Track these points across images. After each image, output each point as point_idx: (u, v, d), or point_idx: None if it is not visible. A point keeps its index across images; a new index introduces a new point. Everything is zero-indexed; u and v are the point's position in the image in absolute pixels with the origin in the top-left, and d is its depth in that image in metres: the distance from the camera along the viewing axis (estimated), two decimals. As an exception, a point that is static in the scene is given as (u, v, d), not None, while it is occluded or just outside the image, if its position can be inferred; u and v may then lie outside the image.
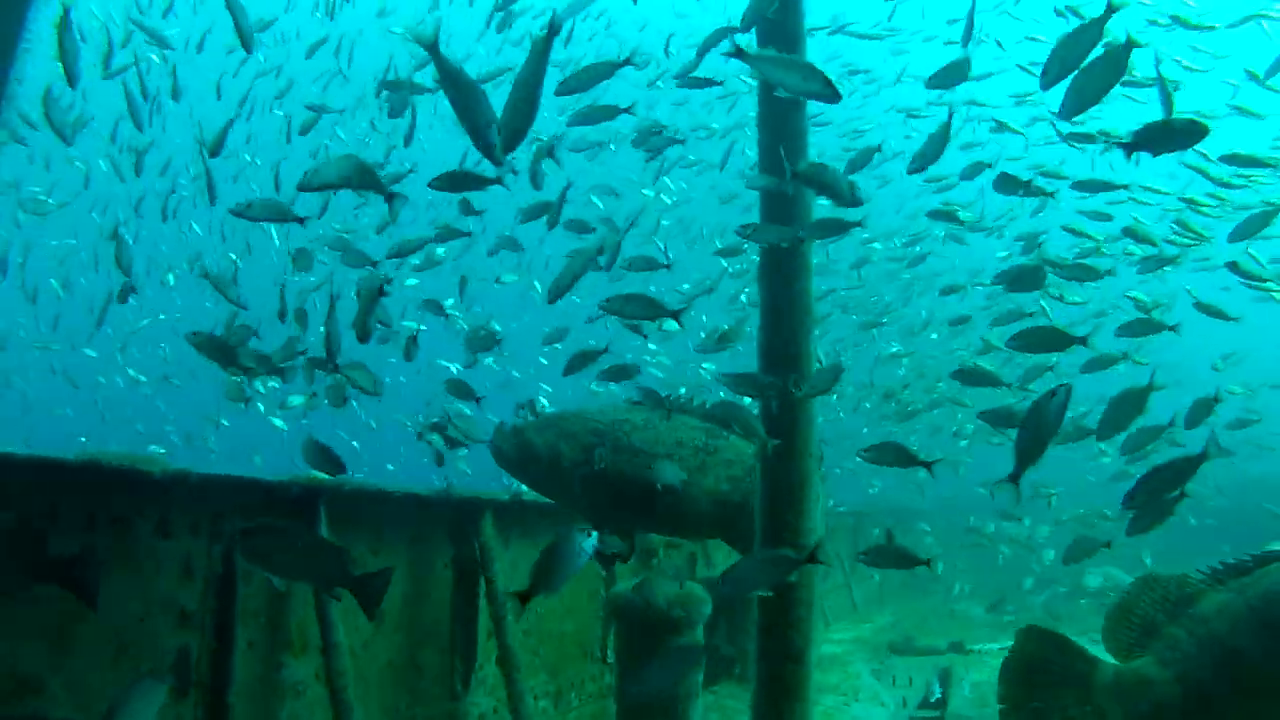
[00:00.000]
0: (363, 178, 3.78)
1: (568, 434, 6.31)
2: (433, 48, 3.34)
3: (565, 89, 4.40)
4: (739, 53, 3.80)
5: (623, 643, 6.31)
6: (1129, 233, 7.06)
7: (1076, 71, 3.89)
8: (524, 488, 6.93)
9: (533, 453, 6.36)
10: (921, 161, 5.03)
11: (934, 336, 15.62)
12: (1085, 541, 6.53)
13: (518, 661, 6.21)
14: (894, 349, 14.60)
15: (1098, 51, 3.87)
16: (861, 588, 14.78)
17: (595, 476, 5.94)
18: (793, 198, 4.49)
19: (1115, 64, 3.82)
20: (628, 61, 4.22)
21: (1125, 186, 8.14)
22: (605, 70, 4.26)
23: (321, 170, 3.72)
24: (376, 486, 5.62)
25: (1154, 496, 4.41)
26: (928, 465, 4.53)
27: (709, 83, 5.82)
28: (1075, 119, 4.18)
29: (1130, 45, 3.84)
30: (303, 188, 3.77)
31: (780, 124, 4.90)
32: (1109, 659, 4.33)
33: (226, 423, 19.08)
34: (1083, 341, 4.63)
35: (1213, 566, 4.18)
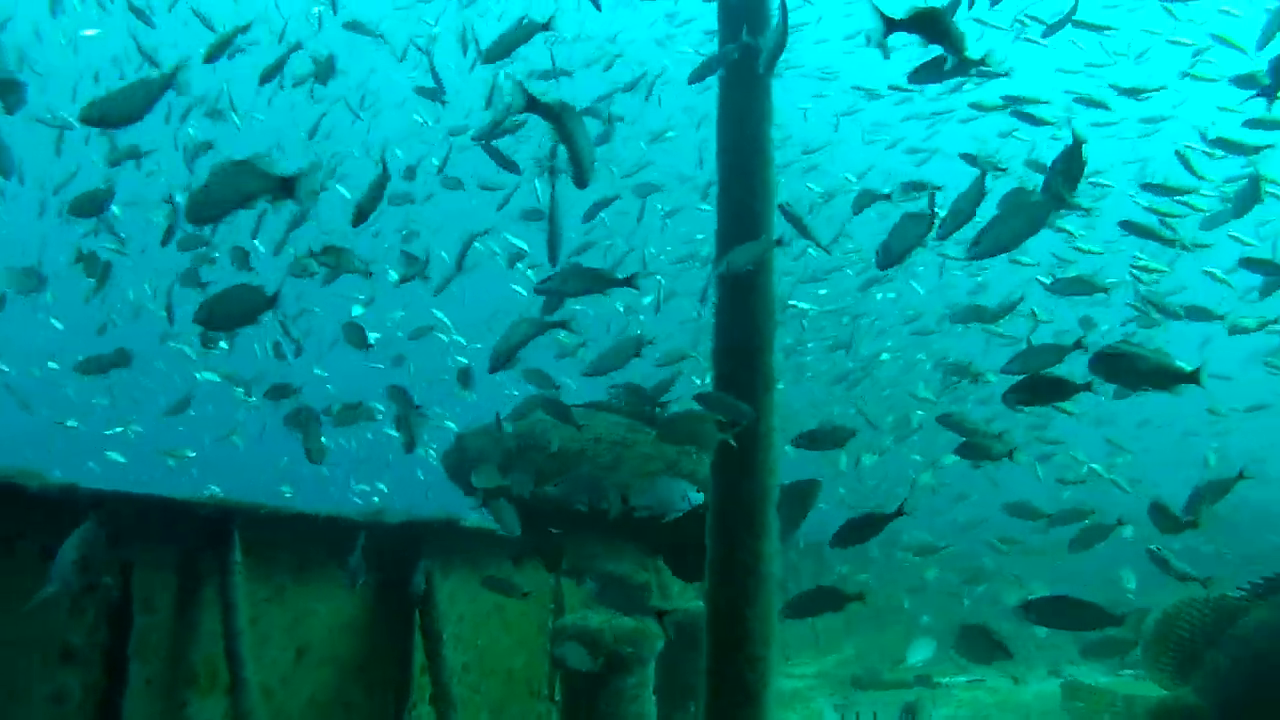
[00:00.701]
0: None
1: (496, 437, 6.04)
2: (532, 102, 3.35)
3: (489, 57, 4.11)
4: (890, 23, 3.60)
5: (567, 681, 5.88)
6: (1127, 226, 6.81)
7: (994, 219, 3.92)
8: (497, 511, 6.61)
9: (467, 459, 6.10)
10: (954, 223, 4.62)
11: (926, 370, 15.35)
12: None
13: (453, 699, 5.76)
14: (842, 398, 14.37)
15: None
16: (824, 619, 14.37)
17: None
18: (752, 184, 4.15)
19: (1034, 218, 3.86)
20: (546, 26, 3.95)
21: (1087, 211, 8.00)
22: (526, 33, 3.99)
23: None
24: (298, 509, 5.17)
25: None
26: (899, 514, 4.19)
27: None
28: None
29: (1053, 202, 3.83)
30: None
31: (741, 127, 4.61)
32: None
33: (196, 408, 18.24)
34: (1088, 388, 4.27)
35: (1253, 582, 4.10)
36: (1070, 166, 3.86)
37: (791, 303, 11.35)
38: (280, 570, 5.25)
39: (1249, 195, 6.70)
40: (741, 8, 4.64)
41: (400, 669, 5.98)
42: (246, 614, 4.68)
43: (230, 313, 3.66)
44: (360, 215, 4.89)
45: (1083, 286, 6.89)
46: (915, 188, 5.91)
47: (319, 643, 5.45)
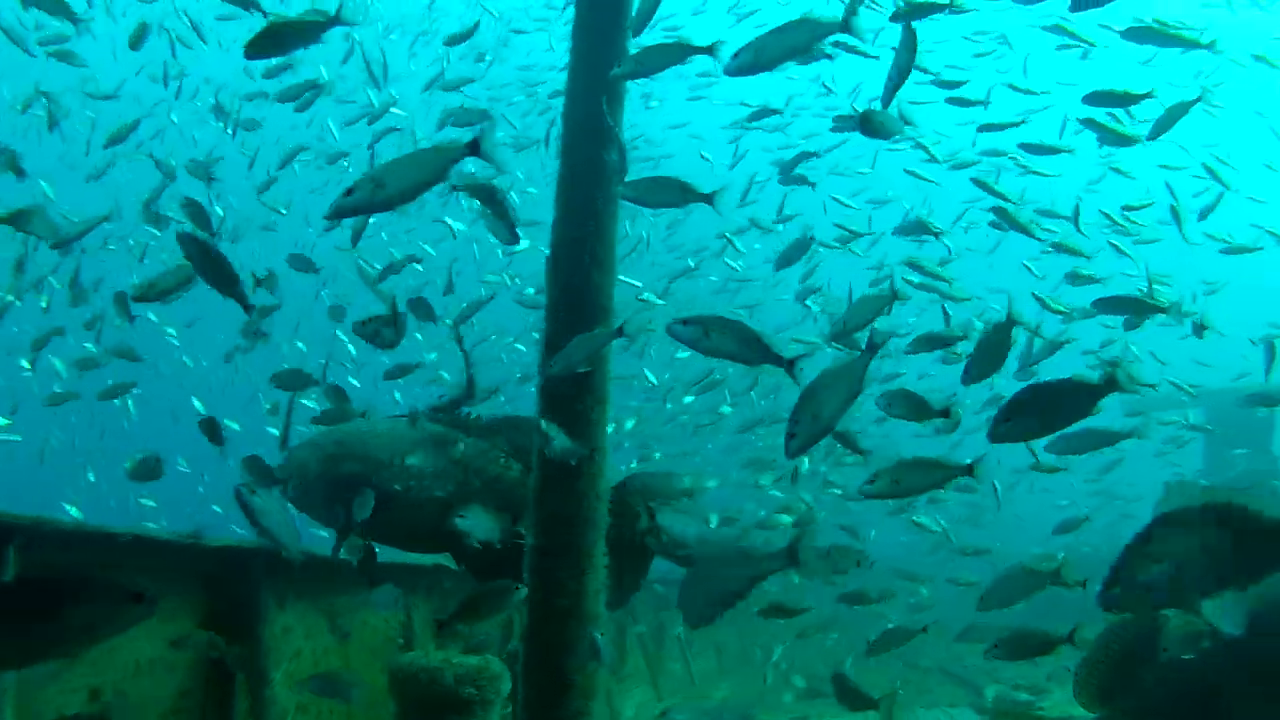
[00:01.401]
0: None
1: (316, 445, 5.85)
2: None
3: (255, 51, 3.68)
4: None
5: (406, 724, 5.35)
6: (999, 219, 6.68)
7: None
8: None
9: (292, 470, 5.87)
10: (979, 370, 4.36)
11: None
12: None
13: (278, 749, 5.18)
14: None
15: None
16: (699, 661, 14.06)
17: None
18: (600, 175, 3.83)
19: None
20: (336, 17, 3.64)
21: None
22: (310, 29, 3.60)
23: None
24: (96, 528, 4.54)
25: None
26: (740, 596, 3.85)
27: None
28: None
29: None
30: None
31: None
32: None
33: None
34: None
35: None
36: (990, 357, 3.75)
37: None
38: (75, 600, 4.61)
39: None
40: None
41: (220, 713, 5.37)
42: (19, 649, 4.03)
43: None
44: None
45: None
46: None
47: (118, 683, 4.80)
